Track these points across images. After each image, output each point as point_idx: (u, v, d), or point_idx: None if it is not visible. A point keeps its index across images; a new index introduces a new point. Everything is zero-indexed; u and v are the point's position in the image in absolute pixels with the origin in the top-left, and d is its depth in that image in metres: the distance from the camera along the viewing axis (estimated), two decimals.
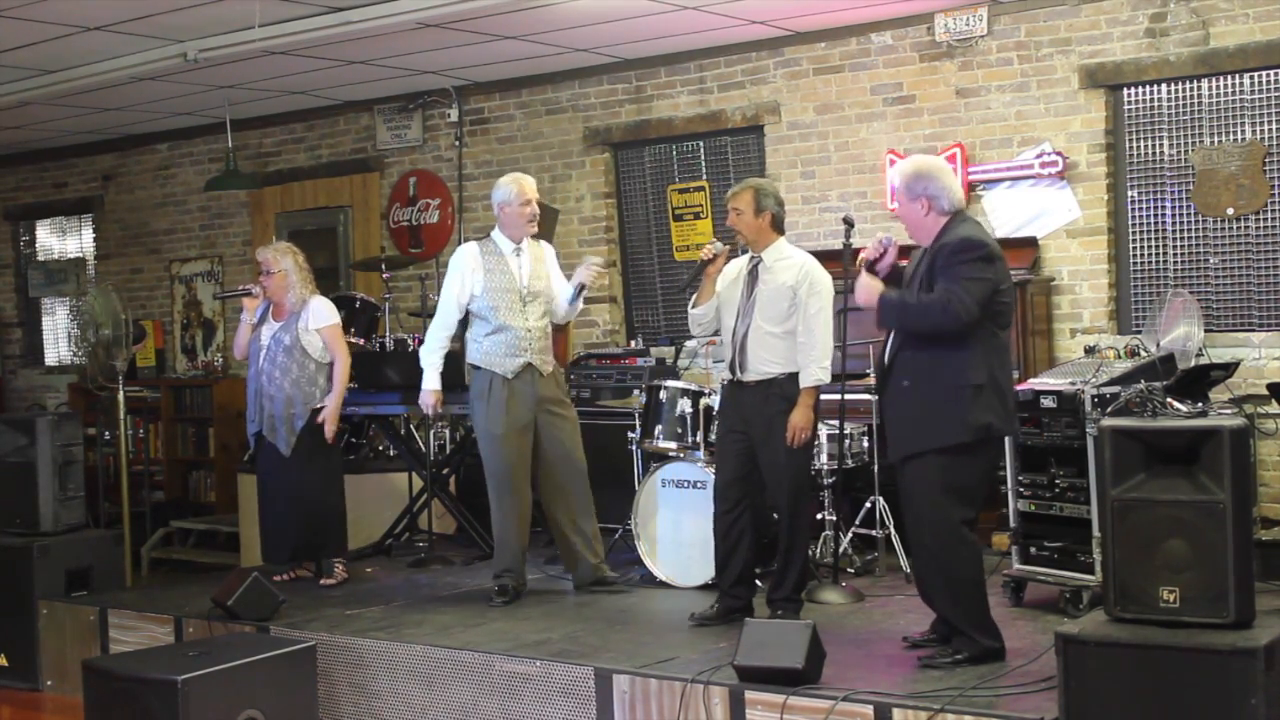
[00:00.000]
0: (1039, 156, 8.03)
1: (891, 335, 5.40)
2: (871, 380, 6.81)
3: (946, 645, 5.29)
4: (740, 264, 6.35)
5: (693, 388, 7.24)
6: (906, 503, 5.40)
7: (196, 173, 11.79)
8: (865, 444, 7.21)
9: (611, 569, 7.16)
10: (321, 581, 7.40)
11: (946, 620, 5.35)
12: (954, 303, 5.05)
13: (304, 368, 7.30)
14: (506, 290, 6.83)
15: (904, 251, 5.58)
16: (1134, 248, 7.97)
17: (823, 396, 7.24)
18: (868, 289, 5.29)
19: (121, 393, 9.22)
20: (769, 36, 8.90)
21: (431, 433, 8.71)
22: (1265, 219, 7.59)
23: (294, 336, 7.30)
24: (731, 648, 5.15)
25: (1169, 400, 5.11)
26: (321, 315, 7.37)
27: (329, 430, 7.29)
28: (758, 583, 6.43)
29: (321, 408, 7.30)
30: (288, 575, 7.52)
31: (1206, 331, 7.37)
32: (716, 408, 7.11)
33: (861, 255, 5.52)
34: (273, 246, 7.60)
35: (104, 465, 10.45)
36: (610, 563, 7.31)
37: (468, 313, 6.92)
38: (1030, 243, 8.07)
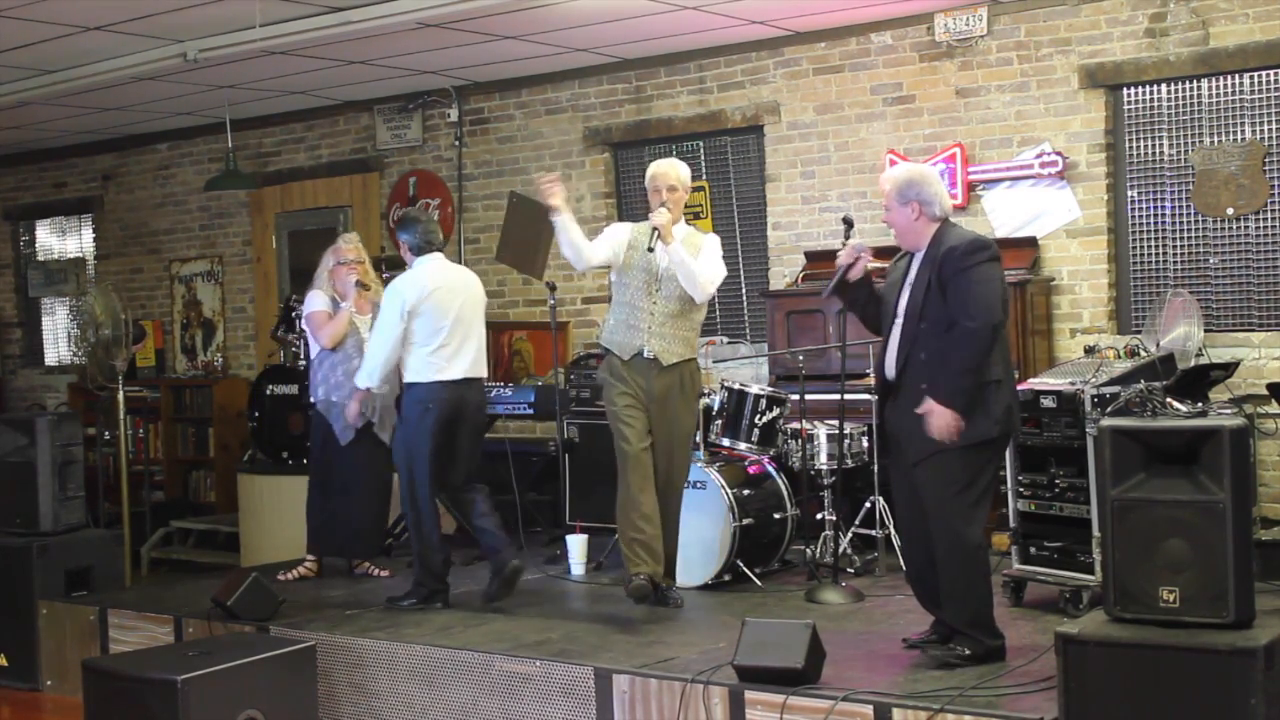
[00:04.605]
0: (1039, 156, 8.03)
1: (896, 345, 5.35)
2: (871, 380, 6.80)
3: (946, 645, 5.29)
4: None
5: None
6: (918, 502, 5.31)
7: (196, 173, 11.79)
8: (865, 444, 7.21)
9: (611, 569, 7.15)
10: (378, 573, 7.56)
11: (948, 620, 5.34)
12: (978, 321, 5.07)
13: None
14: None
15: (878, 253, 5.69)
16: (1134, 248, 7.97)
17: (822, 396, 7.27)
18: (944, 419, 5.07)
19: (121, 393, 9.22)
20: (769, 36, 8.90)
21: None
22: (1265, 219, 7.59)
23: None
24: (731, 648, 5.15)
25: (1169, 400, 5.11)
26: None
27: (352, 410, 7.23)
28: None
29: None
30: (288, 575, 7.52)
31: (1206, 331, 7.38)
32: (714, 408, 7.15)
33: (837, 262, 5.54)
34: (351, 235, 7.74)
35: (104, 465, 10.45)
36: (611, 562, 7.31)
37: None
38: (1030, 243, 8.07)
